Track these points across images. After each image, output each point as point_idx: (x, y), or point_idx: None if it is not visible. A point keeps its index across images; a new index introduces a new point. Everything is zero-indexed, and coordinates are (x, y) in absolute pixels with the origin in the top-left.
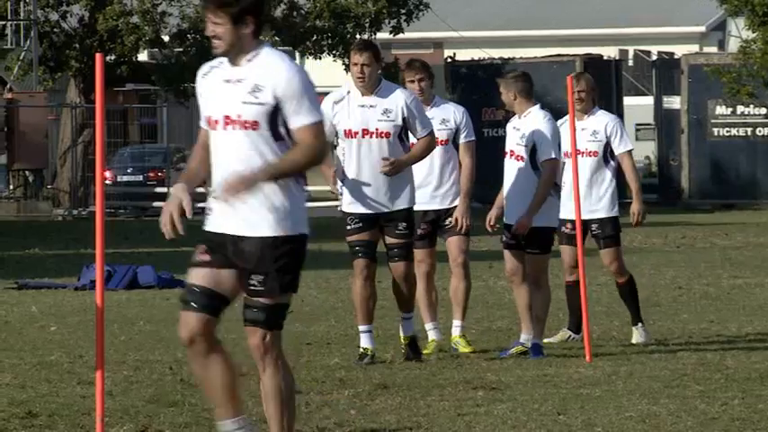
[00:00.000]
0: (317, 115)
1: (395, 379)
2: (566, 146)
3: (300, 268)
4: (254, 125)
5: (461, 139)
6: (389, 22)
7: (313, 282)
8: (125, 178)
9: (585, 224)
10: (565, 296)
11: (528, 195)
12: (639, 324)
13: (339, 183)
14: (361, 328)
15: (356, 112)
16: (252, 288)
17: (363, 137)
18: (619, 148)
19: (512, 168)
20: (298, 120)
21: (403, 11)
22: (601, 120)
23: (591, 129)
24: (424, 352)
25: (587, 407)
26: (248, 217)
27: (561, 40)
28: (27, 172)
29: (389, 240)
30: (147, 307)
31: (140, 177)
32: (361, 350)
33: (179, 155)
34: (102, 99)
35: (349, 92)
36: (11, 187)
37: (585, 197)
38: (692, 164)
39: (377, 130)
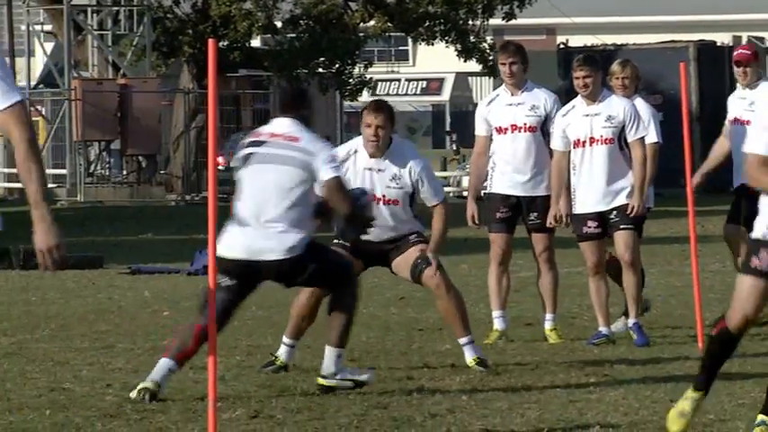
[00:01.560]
0: (15, 96)
1: (507, 365)
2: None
3: None
4: None
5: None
6: (502, 8)
7: None
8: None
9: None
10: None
11: (625, 176)
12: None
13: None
14: (285, 339)
15: (362, 174)
16: None
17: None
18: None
19: (598, 154)
20: None
21: None
22: (638, 108)
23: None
24: (486, 342)
25: None
26: None
27: (674, 26)
28: (140, 157)
29: (407, 255)
30: (259, 292)
31: None
32: (274, 356)
33: None
34: (214, 85)
35: (356, 151)
36: (124, 172)
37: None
38: None
39: (384, 197)
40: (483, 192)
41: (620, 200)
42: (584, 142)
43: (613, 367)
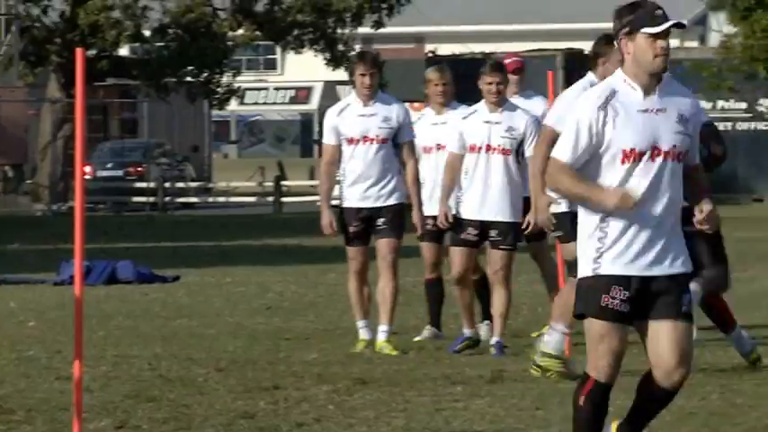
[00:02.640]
0: None
1: (373, 374)
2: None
3: None
4: None
5: (403, 139)
6: (371, 17)
7: (292, 277)
8: (105, 173)
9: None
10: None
11: (516, 190)
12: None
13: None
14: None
15: None
16: None
17: None
18: None
19: (493, 163)
20: None
21: (384, 5)
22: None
23: (451, 123)
24: (353, 351)
25: (566, 401)
26: None
27: (543, 35)
28: (6, 167)
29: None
30: (126, 302)
31: (120, 172)
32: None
33: (159, 150)
34: (82, 94)
35: None
36: None
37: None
38: None
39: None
40: (337, 205)
41: (505, 216)
42: (480, 148)
43: (480, 376)
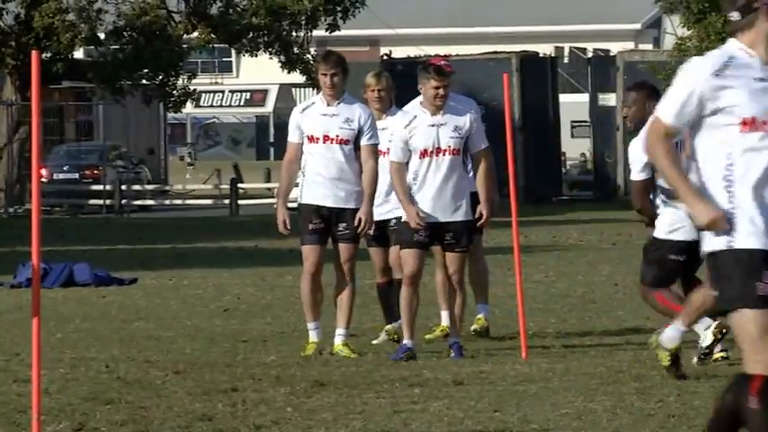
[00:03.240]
0: None
1: (331, 376)
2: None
3: None
4: None
5: (364, 141)
6: (325, 20)
7: (249, 279)
8: (61, 176)
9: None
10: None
11: (466, 187)
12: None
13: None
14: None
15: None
16: None
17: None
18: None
19: (444, 165)
20: None
21: (339, 8)
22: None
23: (390, 129)
24: (303, 354)
25: (523, 404)
26: None
27: (498, 38)
28: None
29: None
30: (83, 305)
31: (76, 175)
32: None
33: (115, 152)
34: (37, 96)
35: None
36: None
37: (389, 197)
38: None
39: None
40: (294, 207)
41: (460, 215)
42: (432, 153)
43: (438, 378)
